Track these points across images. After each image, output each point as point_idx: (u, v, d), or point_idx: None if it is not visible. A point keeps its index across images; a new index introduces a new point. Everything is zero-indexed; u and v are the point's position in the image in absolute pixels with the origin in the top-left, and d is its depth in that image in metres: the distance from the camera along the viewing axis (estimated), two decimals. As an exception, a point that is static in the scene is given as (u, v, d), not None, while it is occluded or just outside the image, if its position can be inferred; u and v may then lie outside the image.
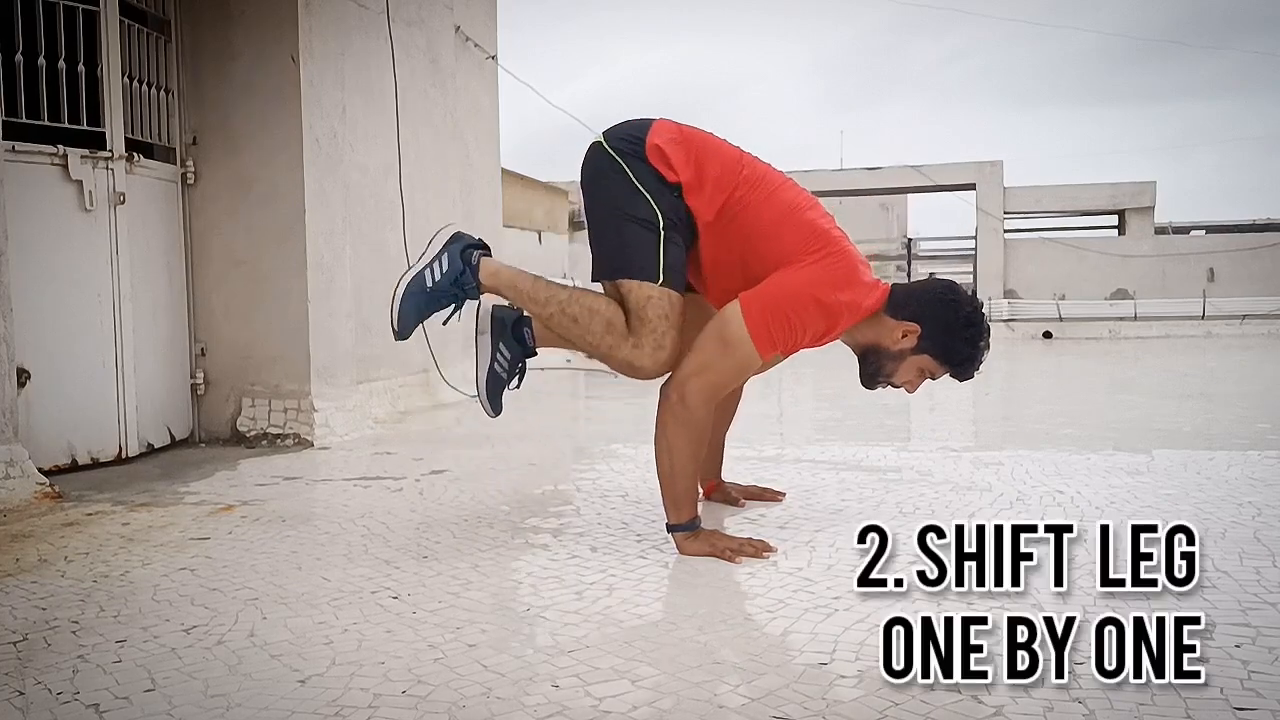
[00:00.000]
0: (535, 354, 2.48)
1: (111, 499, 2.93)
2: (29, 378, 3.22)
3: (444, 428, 4.40)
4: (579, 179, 2.38)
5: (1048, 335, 12.27)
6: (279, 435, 3.91)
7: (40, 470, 3.03)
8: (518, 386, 2.52)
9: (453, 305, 2.37)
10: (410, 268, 2.38)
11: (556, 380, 6.61)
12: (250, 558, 2.25)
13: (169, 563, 2.22)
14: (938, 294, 2.26)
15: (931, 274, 2.45)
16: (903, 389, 2.33)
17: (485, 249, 2.41)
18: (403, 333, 2.37)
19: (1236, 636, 1.65)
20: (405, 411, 4.77)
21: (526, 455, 3.58)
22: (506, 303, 2.49)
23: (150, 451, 3.72)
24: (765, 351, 2.19)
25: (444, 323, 2.42)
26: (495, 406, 2.48)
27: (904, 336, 2.24)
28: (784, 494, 2.75)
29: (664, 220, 2.20)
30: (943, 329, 2.22)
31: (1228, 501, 2.64)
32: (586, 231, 2.38)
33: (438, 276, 2.34)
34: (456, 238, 2.39)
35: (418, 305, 2.34)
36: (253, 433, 3.93)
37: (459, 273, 2.33)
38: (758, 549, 2.16)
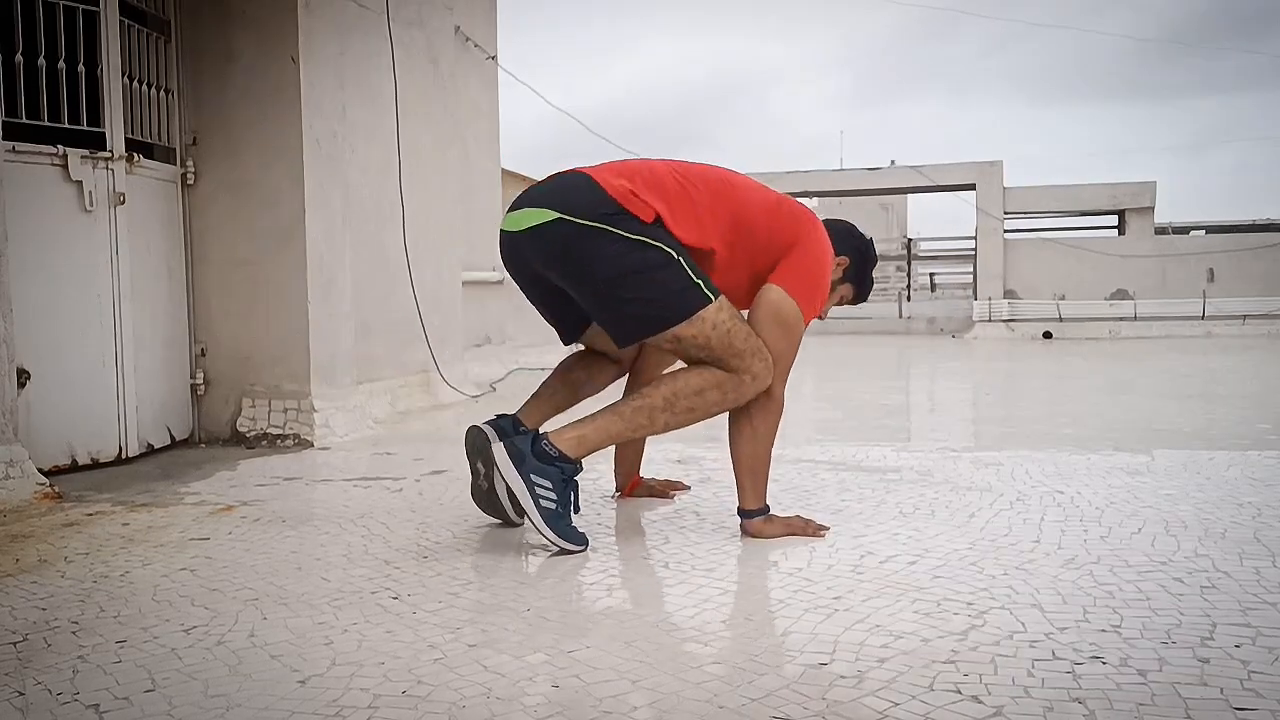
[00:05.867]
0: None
1: (111, 499, 2.93)
2: (29, 378, 3.22)
3: (444, 428, 4.40)
4: (538, 263, 2.26)
5: (1048, 335, 12.26)
6: (279, 436, 3.91)
7: (40, 470, 3.03)
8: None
9: (571, 492, 2.25)
10: (529, 514, 2.20)
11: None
12: (250, 558, 2.25)
13: (169, 563, 2.22)
14: (853, 232, 2.59)
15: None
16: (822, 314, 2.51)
17: (522, 425, 2.47)
18: (580, 545, 2.22)
19: (1236, 636, 1.65)
20: (405, 411, 4.77)
21: (526, 455, 3.57)
22: (489, 421, 2.40)
23: (150, 452, 3.72)
24: (809, 320, 2.37)
25: (576, 511, 2.28)
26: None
27: (837, 268, 2.51)
28: (689, 486, 2.89)
29: (672, 249, 2.20)
30: (861, 261, 2.57)
31: (1228, 501, 2.65)
32: (588, 305, 2.26)
33: (546, 493, 2.19)
34: (505, 450, 2.20)
35: (565, 521, 2.22)
36: (253, 433, 3.93)
37: (548, 468, 2.19)
38: (817, 528, 2.37)
